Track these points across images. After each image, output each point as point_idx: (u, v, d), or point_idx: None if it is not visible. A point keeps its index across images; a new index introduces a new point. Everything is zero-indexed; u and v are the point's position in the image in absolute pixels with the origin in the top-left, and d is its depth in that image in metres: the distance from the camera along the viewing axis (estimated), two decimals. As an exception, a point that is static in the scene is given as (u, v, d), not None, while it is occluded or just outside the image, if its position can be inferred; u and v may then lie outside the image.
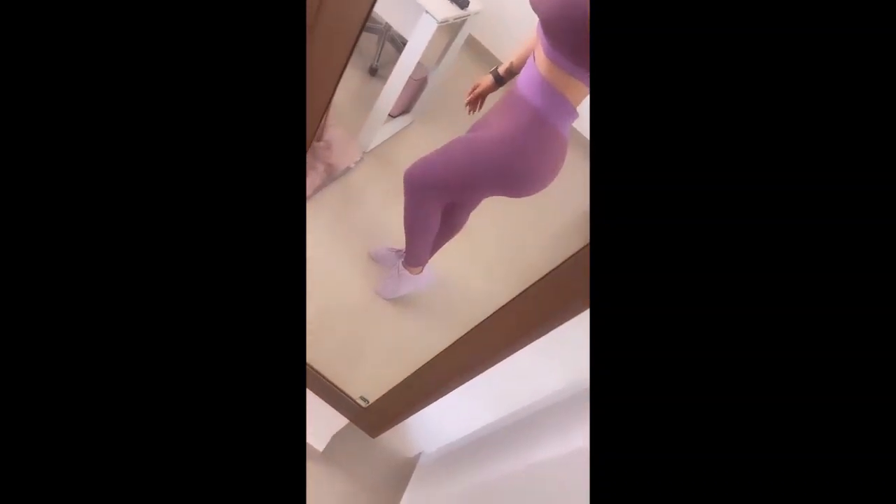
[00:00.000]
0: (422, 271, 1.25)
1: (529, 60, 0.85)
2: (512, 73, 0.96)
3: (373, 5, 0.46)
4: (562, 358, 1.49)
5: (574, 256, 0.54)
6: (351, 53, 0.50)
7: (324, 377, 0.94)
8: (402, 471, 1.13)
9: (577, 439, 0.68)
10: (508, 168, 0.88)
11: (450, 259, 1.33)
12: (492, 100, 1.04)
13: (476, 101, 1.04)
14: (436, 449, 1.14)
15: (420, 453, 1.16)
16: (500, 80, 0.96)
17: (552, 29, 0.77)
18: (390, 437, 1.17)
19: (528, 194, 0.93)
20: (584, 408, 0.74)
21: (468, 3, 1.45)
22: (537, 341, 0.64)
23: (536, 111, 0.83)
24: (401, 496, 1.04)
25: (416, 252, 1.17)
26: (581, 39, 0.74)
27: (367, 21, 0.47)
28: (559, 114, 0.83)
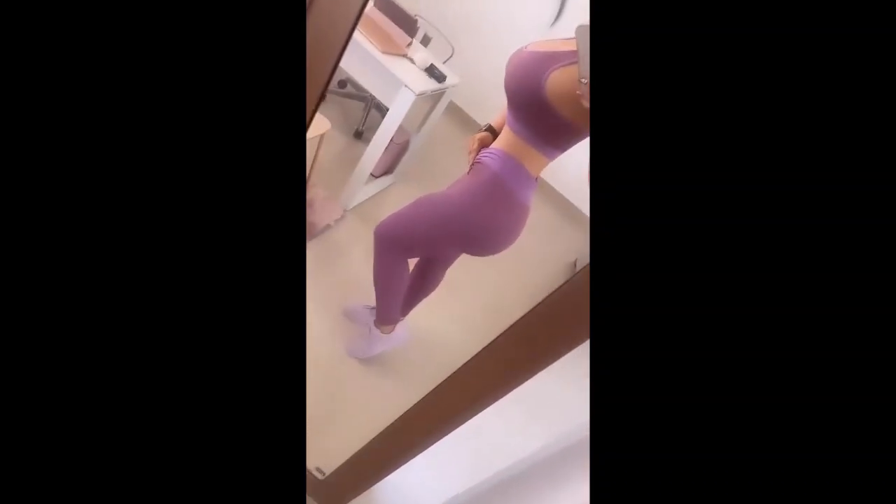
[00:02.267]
0: (393, 329, 1.22)
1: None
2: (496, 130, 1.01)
3: (336, 64, 0.49)
4: (535, 417, 1.42)
5: (542, 304, 0.53)
6: (316, 109, 0.53)
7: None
8: (370, 552, 1.02)
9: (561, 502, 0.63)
10: (466, 225, 0.91)
11: (426, 316, 1.30)
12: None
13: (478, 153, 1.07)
14: (407, 526, 1.04)
15: (390, 531, 1.06)
16: (494, 132, 1.00)
17: (512, 101, 0.83)
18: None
19: (488, 253, 0.95)
20: (561, 469, 0.69)
21: (445, 77, 1.57)
22: (508, 406, 0.61)
23: (495, 175, 0.88)
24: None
25: (387, 309, 1.16)
26: (536, 112, 0.80)
27: (330, 78, 0.50)
28: (517, 180, 0.87)
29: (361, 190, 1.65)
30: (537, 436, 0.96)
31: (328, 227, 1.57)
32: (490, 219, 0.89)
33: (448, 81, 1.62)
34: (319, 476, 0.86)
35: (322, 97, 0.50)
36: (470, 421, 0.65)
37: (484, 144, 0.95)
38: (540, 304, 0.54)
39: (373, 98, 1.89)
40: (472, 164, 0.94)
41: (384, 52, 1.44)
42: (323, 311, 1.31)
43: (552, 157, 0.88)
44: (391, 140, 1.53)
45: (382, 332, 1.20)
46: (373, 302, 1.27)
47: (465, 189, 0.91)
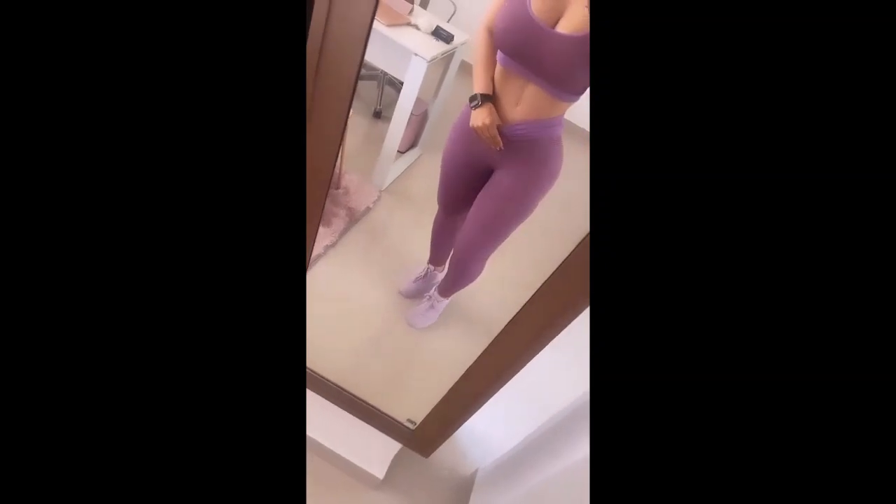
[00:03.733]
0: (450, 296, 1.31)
1: (497, 94, 0.91)
2: (488, 96, 1.01)
3: (362, 57, 0.54)
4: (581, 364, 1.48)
5: (575, 251, 0.57)
6: (351, 101, 0.58)
7: (371, 406, 0.99)
8: (463, 489, 1.15)
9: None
10: (542, 195, 0.98)
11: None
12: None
13: (496, 137, 1.05)
14: (490, 463, 1.15)
15: (476, 469, 1.18)
16: (490, 98, 1.01)
17: (565, 83, 0.82)
18: (446, 457, 1.20)
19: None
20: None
21: (453, 37, 1.55)
22: (558, 352, 0.67)
23: (543, 141, 0.90)
24: (464, 514, 1.06)
25: (455, 291, 1.27)
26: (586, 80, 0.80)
27: (360, 69, 0.55)
28: (559, 132, 0.91)
29: (392, 168, 1.70)
30: (582, 383, 1.03)
31: (368, 209, 1.65)
32: (558, 169, 0.95)
33: (456, 41, 1.60)
34: (411, 426, 0.98)
35: (353, 91, 0.55)
36: (526, 376, 0.72)
37: (497, 123, 0.94)
38: (577, 246, 0.58)
39: (384, 74, 1.90)
40: (510, 142, 0.94)
41: (388, 25, 1.45)
42: (381, 287, 1.41)
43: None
44: (411, 113, 1.55)
45: (444, 299, 1.31)
46: (418, 271, 1.36)
47: (535, 171, 0.95)
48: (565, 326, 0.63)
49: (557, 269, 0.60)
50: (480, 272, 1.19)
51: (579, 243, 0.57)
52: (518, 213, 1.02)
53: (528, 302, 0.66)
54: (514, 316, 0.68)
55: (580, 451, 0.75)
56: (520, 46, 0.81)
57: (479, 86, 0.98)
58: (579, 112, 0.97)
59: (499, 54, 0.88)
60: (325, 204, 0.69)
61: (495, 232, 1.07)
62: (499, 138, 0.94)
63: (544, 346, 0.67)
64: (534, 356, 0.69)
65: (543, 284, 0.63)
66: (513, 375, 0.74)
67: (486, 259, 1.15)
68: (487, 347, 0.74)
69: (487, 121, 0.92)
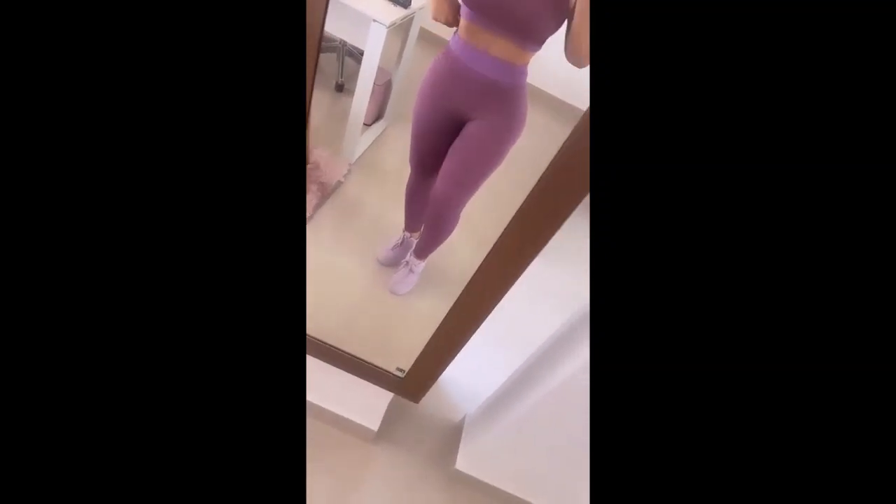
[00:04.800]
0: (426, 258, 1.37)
1: (475, 51, 0.94)
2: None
3: (322, 24, 0.56)
4: (558, 298, 1.59)
5: (527, 201, 0.63)
6: (314, 74, 0.60)
7: (362, 360, 1.05)
8: (453, 434, 1.25)
9: (582, 356, 0.78)
10: (516, 140, 1.04)
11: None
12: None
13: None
14: (476, 407, 1.24)
15: (465, 415, 1.27)
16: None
17: (531, 32, 0.85)
18: (436, 408, 1.29)
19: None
20: (581, 332, 0.83)
21: (410, 2, 1.54)
22: (529, 294, 0.74)
23: (513, 90, 0.95)
24: (455, 456, 1.15)
25: (432, 250, 1.32)
26: (551, 31, 0.84)
27: (321, 40, 0.57)
28: (521, 77, 0.96)
29: (360, 141, 1.70)
30: (554, 320, 1.12)
31: (339, 183, 1.66)
32: (523, 114, 1.01)
33: (414, 5, 1.59)
34: (400, 375, 1.05)
35: (316, 62, 0.58)
36: (499, 325, 0.77)
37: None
38: (528, 196, 0.63)
39: (343, 44, 1.87)
40: (483, 86, 0.97)
41: (344, -7, 1.42)
42: (360, 257, 1.45)
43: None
44: (374, 83, 1.55)
45: (420, 261, 1.36)
46: (394, 240, 1.41)
47: (498, 120, 0.99)
48: (524, 269, 0.70)
49: (511, 220, 0.66)
50: (455, 226, 1.24)
51: (529, 194, 0.63)
52: (490, 161, 1.08)
53: (490, 250, 0.72)
54: (480, 264, 0.74)
55: (557, 378, 0.84)
56: (486, 2, 0.84)
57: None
58: (540, 75, 1.02)
59: (464, 10, 0.90)
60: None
61: (469, 181, 1.12)
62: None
63: (508, 287, 0.74)
64: (501, 297, 0.76)
65: (501, 235, 0.69)
66: (485, 316, 0.81)
67: (460, 211, 1.19)
68: (460, 294, 0.80)
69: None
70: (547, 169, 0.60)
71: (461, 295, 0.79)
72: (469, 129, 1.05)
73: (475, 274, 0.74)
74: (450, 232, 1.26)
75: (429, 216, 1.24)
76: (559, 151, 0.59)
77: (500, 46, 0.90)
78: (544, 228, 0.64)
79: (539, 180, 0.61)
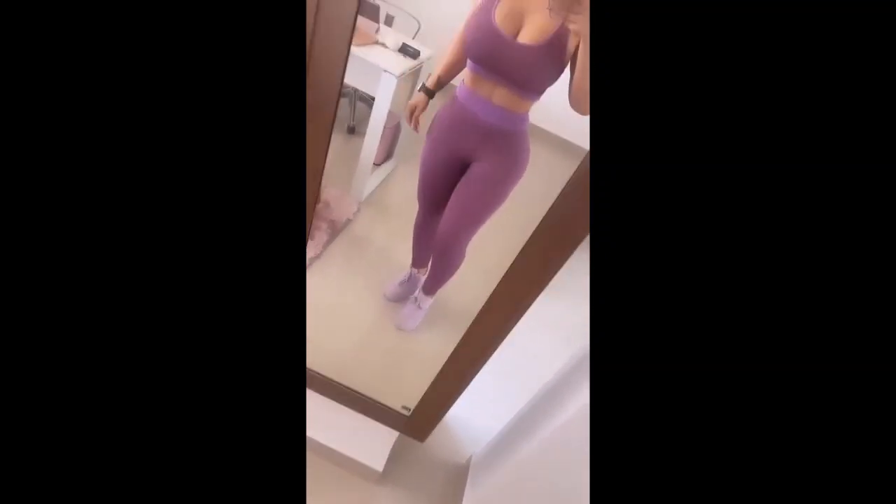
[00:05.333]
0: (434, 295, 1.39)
1: (480, 100, 1.01)
2: (441, 84, 1.15)
3: (342, 78, 0.61)
4: (564, 336, 1.58)
5: (530, 241, 0.66)
6: (334, 119, 0.65)
7: (368, 397, 1.05)
8: (458, 477, 1.21)
9: (583, 396, 0.78)
10: (517, 181, 1.09)
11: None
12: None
13: (416, 120, 1.25)
14: (482, 447, 1.21)
15: (471, 456, 1.24)
16: (430, 94, 1.16)
17: (529, 85, 0.92)
18: (442, 448, 1.26)
19: None
20: (573, 380, 0.84)
21: (419, 52, 1.64)
22: (532, 332, 0.75)
23: (514, 135, 1.01)
24: (461, 499, 1.11)
25: (439, 286, 1.35)
26: (548, 83, 0.90)
27: (341, 89, 0.62)
28: (526, 128, 1.03)
29: (369, 180, 1.77)
30: (561, 352, 1.11)
31: (349, 220, 1.71)
32: (526, 160, 1.07)
33: (422, 56, 1.70)
34: (406, 413, 1.04)
35: (334, 115, 0.63)
36: (505, 363, 0.78)
37: (420, 111, 1.12)
38: (544, 217, 0.66)
39: (356, 91, 1.98)
40: (486, 133, 1.04)
41: (358, 45, 1.53)
42: (367, 292, 1.47)
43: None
44: (384, 126, 1.63)
45: (428, 298, 1.38)
46: (402, 276, 1.44)
47: (509, 162, 1.06)
48: (530, 304, 0.72)
49: (516, 258, 0.69)
50: (460, 261, 1.27)
51: (533, 232, 0.66)
52: (492, 200, 1.13)
53: (496, 288, 0.74)
54: (487, 299, 0.76)
55: (559, 419, 0.83)
56: (486, 54, 0.91)
57: (433, 77, 1.15)
58: (540, 114, 1.09)
59: (469, 62, 0.98)
60: (311, 219, 0.76)
61: (472, 218, 1.16)
62: (416, 121, 1.15)
63: (515, 322, 0.75)
64: (507, 332, 0.77)
65: (507, 271, 0.71)
66: (492, 352, 0.81)
67: (466, 245, 1.22)
68: (467, 330, 0.81)
69: (418, 103, 1.14)
70: (550, 209, 0.63)
71: (468, 330, 0.80)
72: (474, 170, 1.11)
73: (482, 309, 0.76)
74: (456, 267, 1.29)
75: (435, 251, 1.27)
76: (561, 193, 0.62)
77: (501, 95, 0.96)
78: (549, 265, 0.66)
79: (543, 219, 0.64)
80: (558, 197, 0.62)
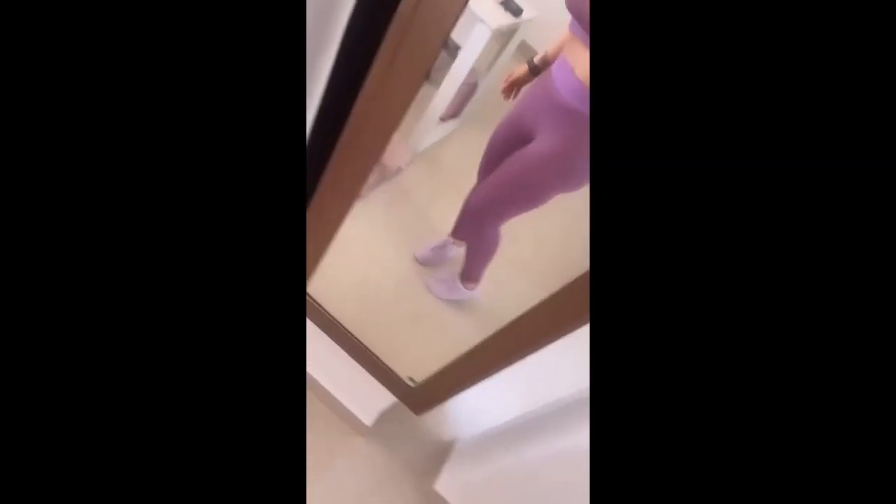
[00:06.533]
0: (475, 287, 1.33)
1: (564, 66, 0.90)
2: (547, 63, 1.02)
3: (454, 25, 0.54)
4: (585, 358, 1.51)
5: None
6: (430, 72, 0.58)
7: (376, 356, 1.04)
8: (441, 453, 1.22)
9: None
10: (572, 174, 0.96)
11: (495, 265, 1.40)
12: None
13: (511, 89, 1.13)
14: (472, 435, 1.21)
15: (457, 438, 1.24)
16: (535, 71, 1.03)
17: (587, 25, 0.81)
18: (432, 420, 1.26)
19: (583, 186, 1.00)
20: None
21: (522, 11, 1.50)
22: (562, 345, 0.70)
23: (587, 118, 0.88)
24: (437, 476, 1.12)
25: (477, 270, 1.27)
26: None
27: (449, 37, 0.55)
28: None
29: (430, 133, 1.69)
30: (581, 377, 1.06)
31: (399, 170, 1.65)
32: (585, 159, 0.92)
33: (524, 16, 1.55)
34: (411, 384, 1.03)
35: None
36: (528, 363, 0.75)
37: (519, 84, 0.96)
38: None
39: (442, 36, 1.86)
40: (553, 106, 0.94)
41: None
42: (397, 247, 1.44)
43: None
44: (461, 82, 1.53)
45: (466, 288, 1.32)
46: (438, 239, 1.38)
47: (563, 144, 0.93)
48: (569, 332, 0.66)
49: (577, 278, 0.62)
50: (492, 244, 1.16)
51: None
52: (531, 180, 0.99)
53: (535, 306, 0.68)
54: (523, 314, 0.70)
55: (560, 443, 0.80)
56: (578, 6, 0.80)
57: (541, 54, 1.03)
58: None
59: (571, 22, 0.87)
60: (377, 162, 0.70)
61: (504, 193, 1.04)
62: (515, 92, 1.02)
63: (544, 346, 0.70)
64: (533, 353, 0.72)
65: (561, 290, 0.65)
66: (513, 363, 0.77)
67: (497, 224, 1.11)
68: (495, 333, 0.77)
69: (522, 77, 1.02)
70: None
71: (503, 329, 0.75)
72: (531, 145, 1.00)
73: (524, 314, 0.70)
74: (486, 249, 1.20)
75: (464, 222, 1.18)
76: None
77: (584, 66, 0.85)
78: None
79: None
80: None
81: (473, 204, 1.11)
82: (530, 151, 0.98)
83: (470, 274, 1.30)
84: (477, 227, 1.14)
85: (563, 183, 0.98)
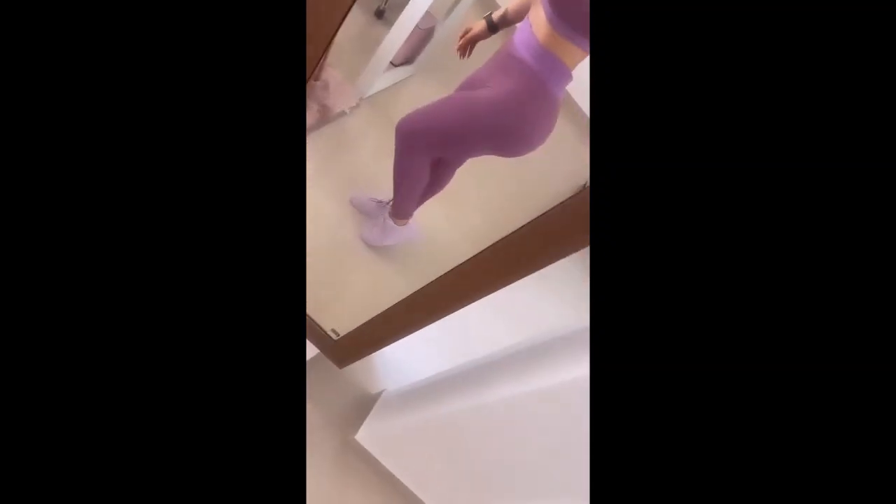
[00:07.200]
0: (407, 223, 1.29)
1: (525, 23, 0.86)
2: (506, 21, 0.99)
3: None
4: (515, 317, 1.57)
5: (538, 219, 0.58)
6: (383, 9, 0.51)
7: (298, 308, 0.99)
8: (364, 404, 1.22)
9: (524, 385, 0.76)
10: (504, 129, 0.92)
11: (428, 213, 1.36)
12: (484, 49, 1.06)
13: (467, 45, 1.09)
14: (397, 388, 1.22)
15: (383, 390, 1.25)
16: (493, 28, 0.99)
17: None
18: (356, 372, 1.25)
19: (518, 155, 0.97)
20: (530, 361, 0.81)
21: (486, -46, 1.41)
22: (491, 300, 0.70)
23: (535, 75, 0.86)
24: (358, 427, 1.13)
25: (404, 204, 1.21)
26: (581, 6, 0.75)
27: None
28: (556, 78, 0.86)
29: (380, 78, 1.58)
30: (510, 333, 1.09)
31: (343, 113, 1.54)
32: (530, 123, 0.91)
33: (488, -39, 1.45)
34: (334, 336, 0.99)
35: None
36: (455, 318, 0.75)
37: (475, 41, 0.92)
38: (539, 217, 0.59)
39: (399, -30, 1.71)
40: (506, 59, 0.90)
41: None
42: (333, 197, 1.36)
43: (588, 50, 0.85)
44: (416, 25, 1.43)
45: (397, 224, 1.28)
46: (380, 195, 1.32)
47: (504, 93, 0.90)
48: (499, 289, 0.66)
49: (513, 234, 0.61)
50: (420, 174, 1.13)
51: (541, 216, 0.58)
52: (480, 114, 0.96)
53: (479, 254, 0.67)
54: (458, 266, 0.69)
55: (481, 397, 0.82)
56: None
57: (500, 11, 0.97)
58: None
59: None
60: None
61: (447, 117, 1.02)
62: (469, 49, 0.98)
63: (477, 300, 0.69)
64: (470, 303, 0.71)
65: (494, 245, 0.64)
66: (443, 317, 0.76)
67: (424, 152, 1.08)
68: (427, 285, 0.75)
69: (479, 32, 0.97)
70: (566, 201, 0.55)
71: (432, 283, 0.73)
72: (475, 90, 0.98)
73: (456, 268, 0.69)
74: (411, 179, 1.14)
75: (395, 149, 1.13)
76: (586, 186, 0.53)
77: (542, 24, 0.82)
78: (546, 255, 0.59)
79: (555, 208, 0.56)
80: (580, 190, 0.54)
81: (403, 124, 1.06)
82: (474, 93, 0.97)
83: (398, 207, 1.25)
84: (404, 152, 1.09)
85: (494, 133, 0.96)
